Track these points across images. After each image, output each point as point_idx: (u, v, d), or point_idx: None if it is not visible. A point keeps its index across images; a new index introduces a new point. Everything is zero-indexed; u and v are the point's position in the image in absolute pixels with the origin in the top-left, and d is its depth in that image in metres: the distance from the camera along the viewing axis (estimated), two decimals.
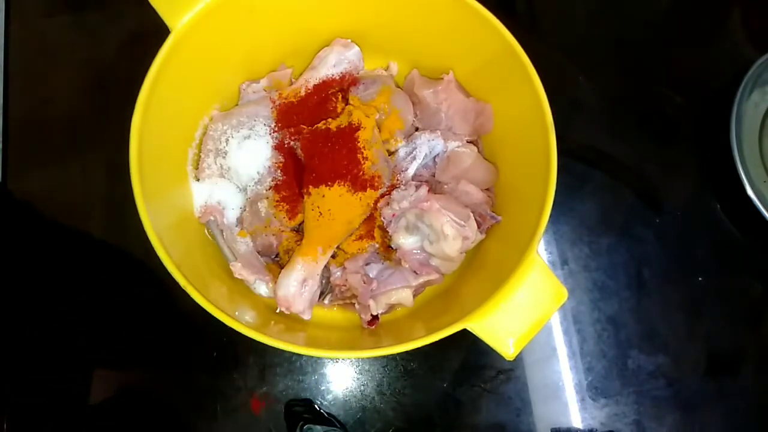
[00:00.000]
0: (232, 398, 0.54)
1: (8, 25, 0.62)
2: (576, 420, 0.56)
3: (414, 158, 0.50)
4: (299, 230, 0.51)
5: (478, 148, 0.52)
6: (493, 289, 0.41)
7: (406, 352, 0.40)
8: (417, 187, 0.47)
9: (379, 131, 0.50)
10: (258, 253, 0.50)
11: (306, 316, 0.47)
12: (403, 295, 0.48)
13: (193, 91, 0.48)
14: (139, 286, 0.56)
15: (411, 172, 0.50)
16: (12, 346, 0.55)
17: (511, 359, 0.41)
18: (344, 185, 0.47)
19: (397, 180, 0.50)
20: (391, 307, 0.49)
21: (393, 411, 0.55)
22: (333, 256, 0.49)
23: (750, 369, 0.58)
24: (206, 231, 0.50)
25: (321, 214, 0.47)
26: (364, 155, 0.48)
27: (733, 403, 0.57)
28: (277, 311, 0.47)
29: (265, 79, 0.53)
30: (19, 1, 0.62)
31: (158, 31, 0.42)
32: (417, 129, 0.53)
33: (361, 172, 0.48)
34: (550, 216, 0.42)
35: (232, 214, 0.50)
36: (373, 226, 0.50)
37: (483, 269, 0.49)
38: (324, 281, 0.50)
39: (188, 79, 0.46)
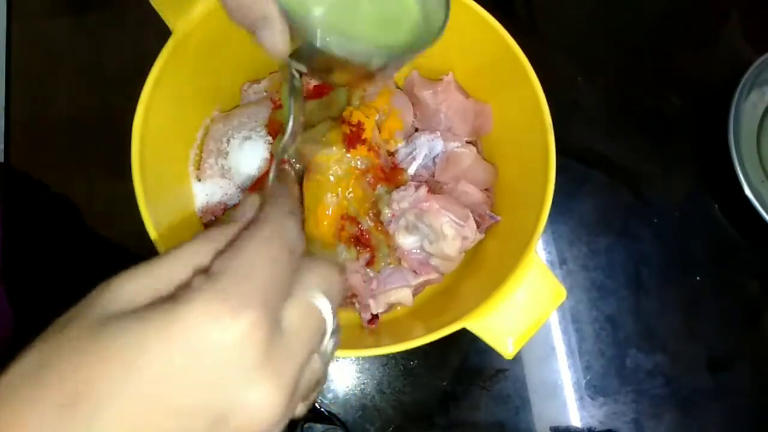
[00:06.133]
0: None
1: (10, 26, 0.62)
2: (575, 418, 0.56)
3: (414, 158, 0.51)
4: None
5: (477, 149, 0.52)
6: (492, 288, 0.41)
7: (406, 350, 0.40)
8: (417, 188, 0.47)
9: (379, 132, 0.50)
10: None
11: None
12: (403, 295, 0.48)
13: (194, 91, 0.48)
14: None
15: (411, 172, 0.51)
16: (11, 348, 0.55)
17: (510, 358, 0.41)
18: None
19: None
20: (391, 307, 0.49)
21: (393, 409, 0.55)
22: None
23: (747, 367, 0.58)
24: None
25: None
26: None
27: (731, 402, 0.57)
28: None
29: (266, 80, 0.53)
30: (20, 3, 0.63)
31: (159, 32, 0.43)
32: (417, 129, 0.53)
33: None
34: (549, 216, 0.42)
35: None
36: None
37: (482, 269, 0.49)
38: None
39: (189, 80, 0.46)
